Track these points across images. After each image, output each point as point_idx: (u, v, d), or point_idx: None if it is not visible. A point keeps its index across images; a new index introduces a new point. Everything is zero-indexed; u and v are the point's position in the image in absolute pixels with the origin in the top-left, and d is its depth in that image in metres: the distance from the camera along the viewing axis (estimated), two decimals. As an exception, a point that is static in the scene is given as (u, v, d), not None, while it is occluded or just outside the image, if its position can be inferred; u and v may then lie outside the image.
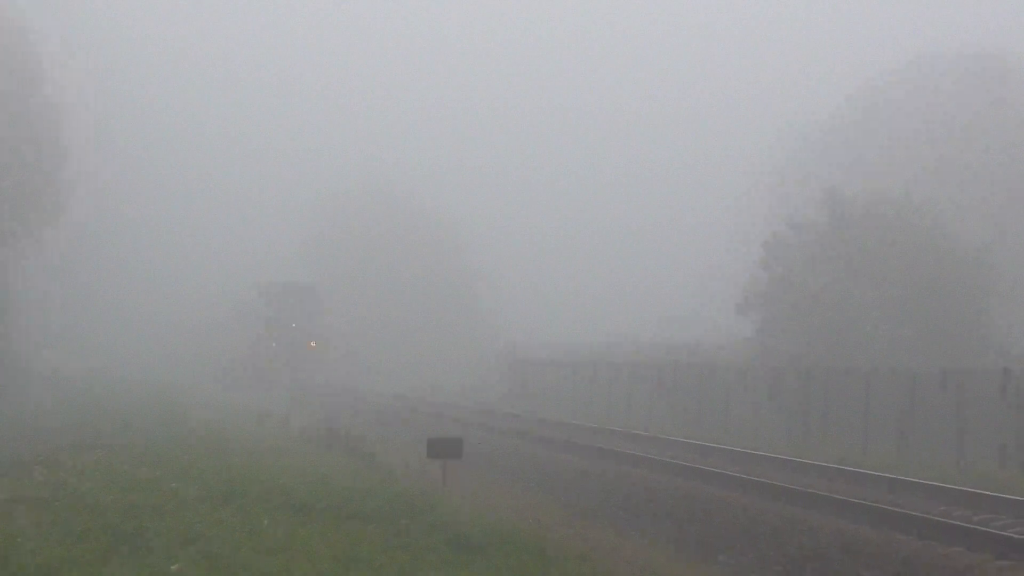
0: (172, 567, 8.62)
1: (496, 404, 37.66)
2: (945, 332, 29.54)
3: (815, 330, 30.95)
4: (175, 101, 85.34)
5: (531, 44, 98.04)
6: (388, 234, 65.92)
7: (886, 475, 17.12)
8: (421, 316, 61.35)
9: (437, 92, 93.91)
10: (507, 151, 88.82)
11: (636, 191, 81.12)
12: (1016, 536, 11.53)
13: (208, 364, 52.13)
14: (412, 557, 9.88)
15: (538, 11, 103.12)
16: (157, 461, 16.20)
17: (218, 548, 9.31)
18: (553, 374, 40.92)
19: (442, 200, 69.23)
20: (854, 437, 24.33)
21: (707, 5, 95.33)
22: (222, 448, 19.43)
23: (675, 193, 78.89)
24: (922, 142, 42.91)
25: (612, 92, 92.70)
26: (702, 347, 38.85)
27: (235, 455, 18.28)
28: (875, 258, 31.07)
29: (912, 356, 28.26)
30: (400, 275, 64.11)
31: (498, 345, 53.70)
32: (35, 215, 39.51)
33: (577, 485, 17.17)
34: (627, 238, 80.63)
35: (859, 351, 28.87)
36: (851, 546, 11.58)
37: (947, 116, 43.14)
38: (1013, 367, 23.06)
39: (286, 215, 76.14)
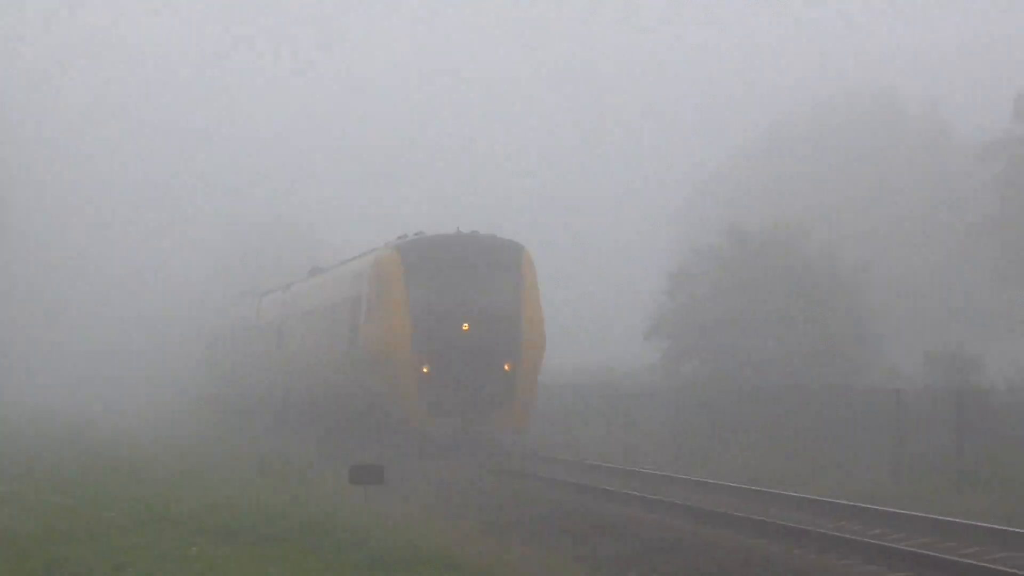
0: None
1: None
2: (833, 350, 30.95)
3: (718, 353, 32.17)
4: (93, 145, 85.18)
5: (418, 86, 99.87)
6: (290, 262, 67.24)
7: (786, 492, 17.74)
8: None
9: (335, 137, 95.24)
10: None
11: (551, 222, 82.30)
12: (909, 549, 12.10)
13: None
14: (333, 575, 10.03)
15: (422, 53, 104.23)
16: (73, 488, 15.94)
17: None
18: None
19: (339, 232, 69.98)
20: (758, 454, 25.09)
21: (623, 43, 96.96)
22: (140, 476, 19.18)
23: (591, 226, 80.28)
24: (816, 177, 44.92)
25: (518, 123, 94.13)
26: (611, 371, 39.93)
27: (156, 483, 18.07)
28: (771, 283, 32.31)
29: (804, 373, 29.53)
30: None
31: None
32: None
33: (491, 504, 17.48)
34: (544, 266, 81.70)
35: (758, 371, 30.01)
36: (751, 559, 12.03)
37: (839, 153, 45.28)
38: (905, 386, 24.63)
39: (200, 247, 76.52)
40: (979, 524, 13.41)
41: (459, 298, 24.77)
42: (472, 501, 17.90)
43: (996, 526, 13.21)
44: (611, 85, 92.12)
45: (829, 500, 16.49)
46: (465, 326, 24.50)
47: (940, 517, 14.27)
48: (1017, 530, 12.85)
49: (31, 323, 66.86)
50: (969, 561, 11.29)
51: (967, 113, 45.07)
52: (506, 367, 24.74)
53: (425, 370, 23.98)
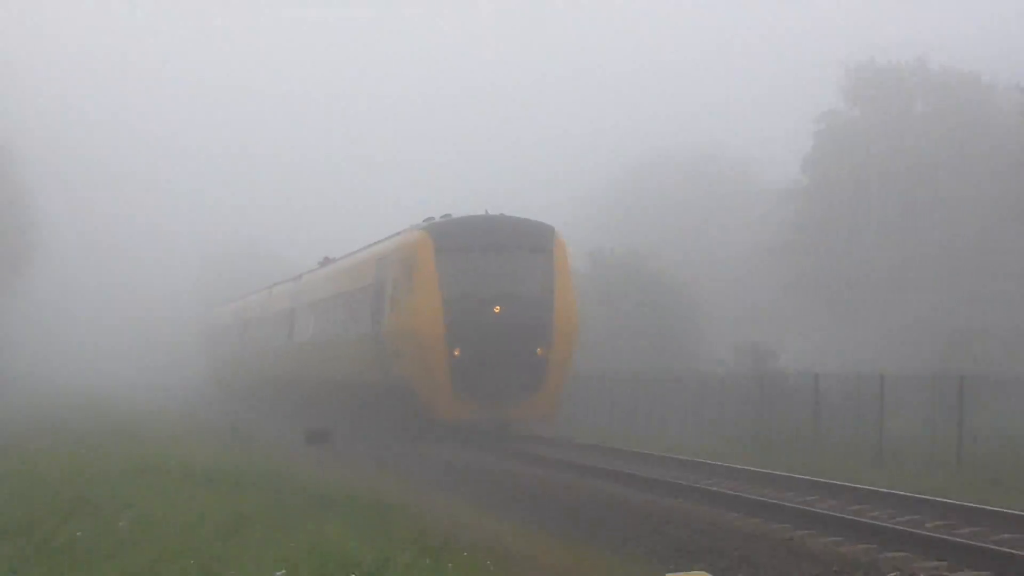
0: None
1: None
2: (673, 344, 33.19)
3: (583, 349, 33.84)
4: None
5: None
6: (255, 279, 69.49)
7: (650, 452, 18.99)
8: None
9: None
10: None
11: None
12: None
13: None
14: (285, 510, 11.10)
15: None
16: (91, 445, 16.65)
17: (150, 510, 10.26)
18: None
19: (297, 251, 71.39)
20: (613, 425, 26.71)
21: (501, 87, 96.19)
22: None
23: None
24: (660, 210, 47.43)
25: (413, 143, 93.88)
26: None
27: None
28: (622, 293, 34.40)
29: (651, 364, 31.45)
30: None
31: None
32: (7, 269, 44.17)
33: (417, 464, 18.48)
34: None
35: (611, 362, 31.99)
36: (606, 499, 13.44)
37: (678, 192, 47.99)
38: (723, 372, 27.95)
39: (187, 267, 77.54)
40: (775, 473, 15.27)
41: (491, 280, 20.38)
42: (408, 464, 18.66)
43: (780, 473, 15.20)
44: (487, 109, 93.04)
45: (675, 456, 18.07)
46: (497, 308, 20.05)
47: (743, 467, 16.07)
48: (789, 475, 14.93)
49: (57, 324, 69.71)
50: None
51: (774, 160, 48.08)
52: (538, 352, 20.26)
53: (456, 353, 19.80)
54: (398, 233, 23.42)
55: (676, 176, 48.76)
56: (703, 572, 8.51)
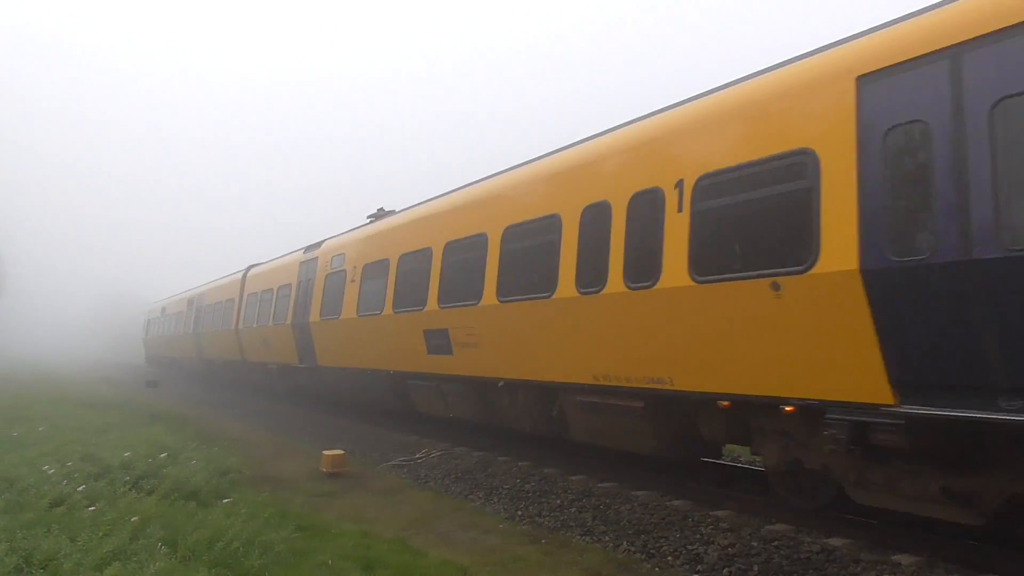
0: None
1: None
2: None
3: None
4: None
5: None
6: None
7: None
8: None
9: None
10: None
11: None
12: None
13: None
14: (133, 420, 21.24)
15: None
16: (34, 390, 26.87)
17: (59, 421, 20.24)
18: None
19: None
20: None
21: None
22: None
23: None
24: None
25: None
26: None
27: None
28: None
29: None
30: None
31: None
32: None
33: (210, 397, 29.44)
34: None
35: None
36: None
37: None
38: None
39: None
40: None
41: None
42: (206, 398, 29.98)
43: None
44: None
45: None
46: None
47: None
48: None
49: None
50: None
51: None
52: None
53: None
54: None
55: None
56: (340, 450, 19.11)
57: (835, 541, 8.92)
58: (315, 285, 22.25)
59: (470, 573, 8.88)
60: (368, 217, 21.80)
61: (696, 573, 8.65)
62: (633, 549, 9.54)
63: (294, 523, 10.52)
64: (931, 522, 9.07)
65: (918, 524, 9.16)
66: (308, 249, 24.50)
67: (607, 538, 10.05)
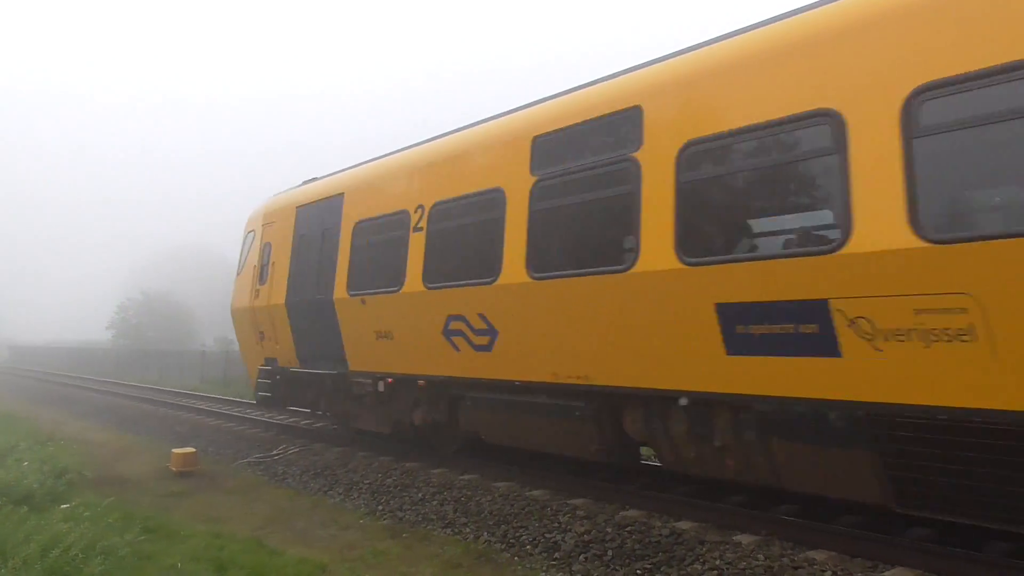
0: None
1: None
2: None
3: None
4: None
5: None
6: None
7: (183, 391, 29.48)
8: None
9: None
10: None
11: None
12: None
13: None
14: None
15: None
16: None
17: None
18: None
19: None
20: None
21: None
22: None
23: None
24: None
25: None
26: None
27: None
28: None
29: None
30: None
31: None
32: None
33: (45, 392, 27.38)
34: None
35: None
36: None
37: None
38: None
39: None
40: (225, 397, 25.88)
41: None
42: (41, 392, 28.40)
43: (226, 397, 25.85)
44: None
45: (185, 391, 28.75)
46: None
47: (214, 396, 26.94)
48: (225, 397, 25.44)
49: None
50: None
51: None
52: None
53: None
54: None
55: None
56: (192, 448, 18.50)
57: (683, 524, 9.37)
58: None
59: (329, 570, 8.78)
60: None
61: (553, 561, 8.88)
62: (493, 539, 9.70)
63: (140, 525, 10.07)
64: (778, 503, 9.71)
65: (763, 506, 9.75)
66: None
67: (467, 530, 10.16)
